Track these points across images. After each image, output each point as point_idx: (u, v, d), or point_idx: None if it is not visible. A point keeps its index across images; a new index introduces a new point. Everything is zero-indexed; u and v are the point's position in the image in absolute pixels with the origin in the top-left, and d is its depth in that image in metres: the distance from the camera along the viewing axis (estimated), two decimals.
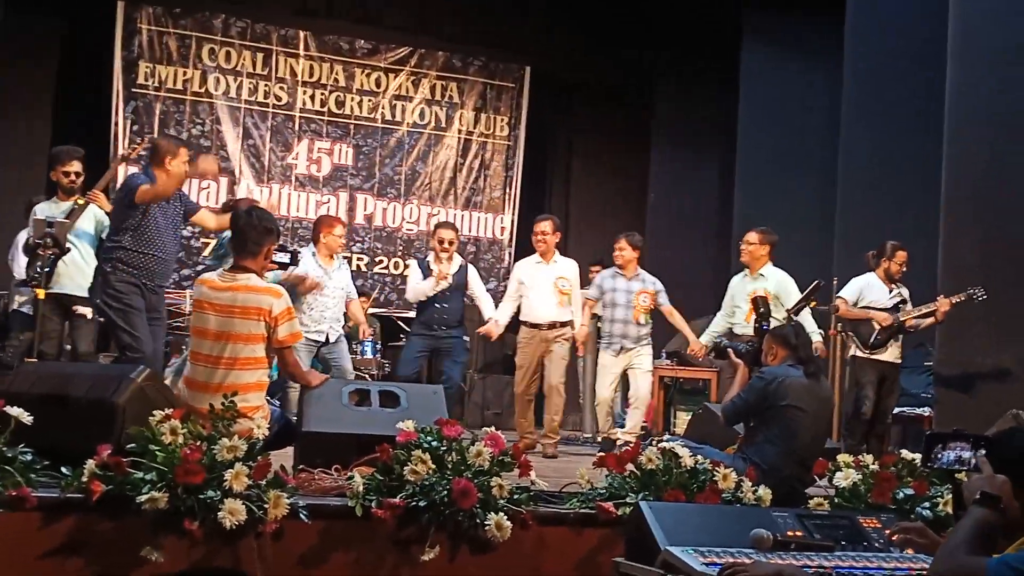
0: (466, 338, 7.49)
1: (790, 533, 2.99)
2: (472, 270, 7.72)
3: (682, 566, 2.71)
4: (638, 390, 7.47)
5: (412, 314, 7.82)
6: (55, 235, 5.76)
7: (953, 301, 6.61)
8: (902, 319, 7.04)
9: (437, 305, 7.27)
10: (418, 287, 7.34)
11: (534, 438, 7.24)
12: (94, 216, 6.27)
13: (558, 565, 3.97)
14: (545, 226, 7.47)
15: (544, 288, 7.32)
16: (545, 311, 7.30)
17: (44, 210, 6.19)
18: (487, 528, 3.75)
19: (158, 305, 5.60)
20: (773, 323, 6.05)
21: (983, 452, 2.40)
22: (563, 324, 7.31)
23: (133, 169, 6.84)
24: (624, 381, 7.62)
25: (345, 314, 7.23)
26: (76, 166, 6.32)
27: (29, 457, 3.46)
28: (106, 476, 3.45)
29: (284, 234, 9.74)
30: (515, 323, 7.62)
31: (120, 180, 6.73)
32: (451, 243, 7.31)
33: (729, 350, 6.08)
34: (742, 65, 9.93)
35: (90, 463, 3.46)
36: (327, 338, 6.89)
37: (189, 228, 8.22)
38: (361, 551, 3.74)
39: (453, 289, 7.27)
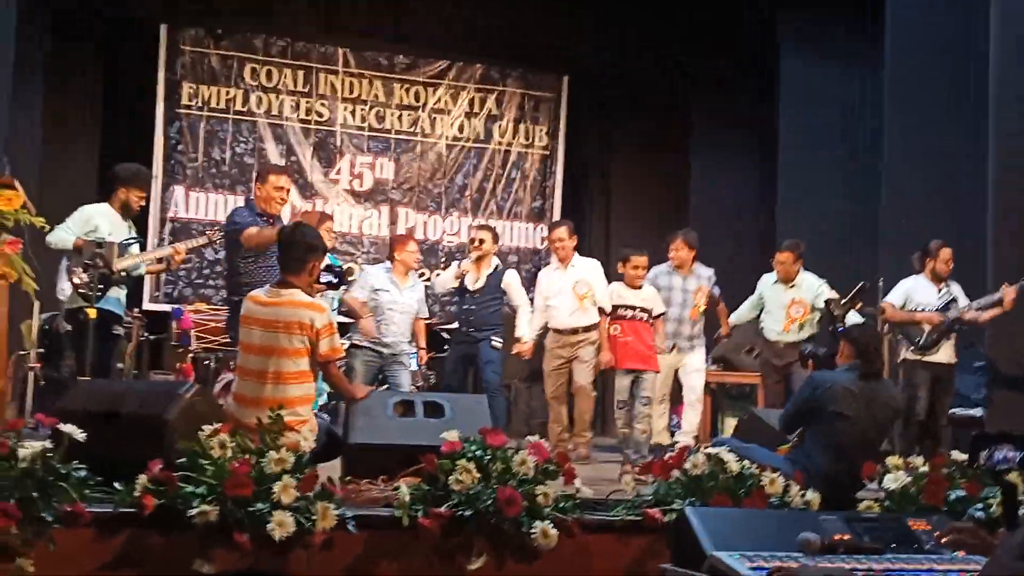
0: (496, 340, 7.32)
1: (838, 536, 2.95)
2: (511, 275, 7.55)
3: (729, 571, 2.69)
4: (693, 389, 7.42)
5: (455, 324, 7.84)
6: (104, 255, 5.87)
7: (1018, 289, 6.48)
8: (956, 315, 6.92)
9: (465, 306, 7.33)
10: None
11: (567, 447, 6.91)
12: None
13: (605, 572, 3.97)
14: (561, 232, 7.40)
15: (564, 295, 7.27)
16: (567, 318, 7.24)
17: (107, 217, 6.24)
18: (533, 536, 3.76)
19: None
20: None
21: None
22: (586, 329, 7.20)
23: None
24: (675, 382, 7.55)
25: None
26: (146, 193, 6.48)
27: (83, 473, 3.53)
28: (158, 490, 3.52)
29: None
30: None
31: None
32: (481, 241, 7.32)
33: (810, 361, 6.08)
34: (780, 67, 9.86)
35: (142, 478, 3.53)
36: (392, 354, 6.99)
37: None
38: (408, 561, 3.76)
39: (485, 292, 7.28)
